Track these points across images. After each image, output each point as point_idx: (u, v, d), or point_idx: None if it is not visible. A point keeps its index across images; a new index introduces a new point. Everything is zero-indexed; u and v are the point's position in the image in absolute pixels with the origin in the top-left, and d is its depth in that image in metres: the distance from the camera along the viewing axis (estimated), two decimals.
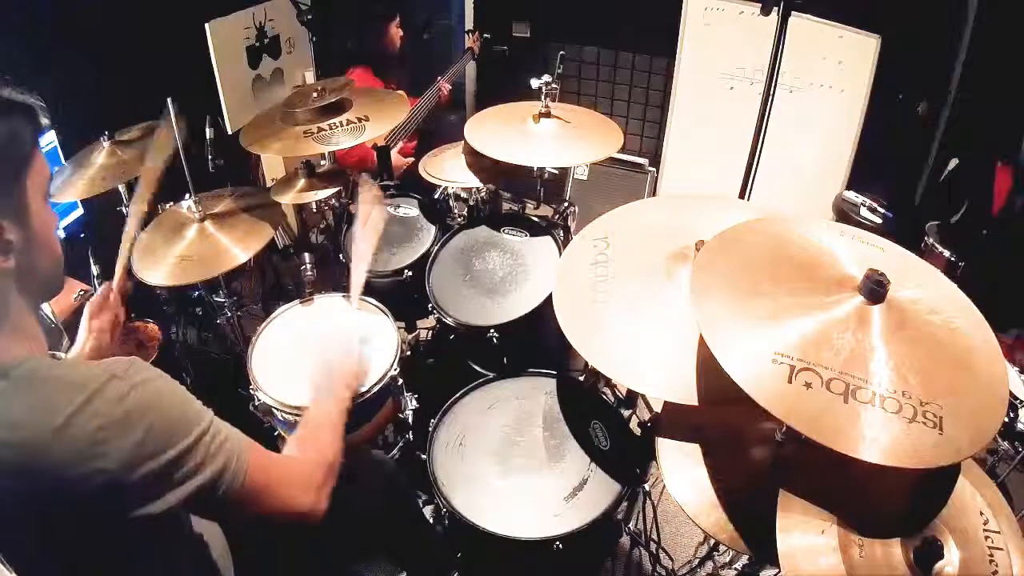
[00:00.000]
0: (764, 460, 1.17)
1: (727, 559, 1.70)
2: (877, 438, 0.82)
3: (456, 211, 2.23)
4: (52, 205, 0.83)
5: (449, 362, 1.95)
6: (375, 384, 1.58)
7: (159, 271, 1.69)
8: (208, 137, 2.00)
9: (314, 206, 2.07)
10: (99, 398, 0.70)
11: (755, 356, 0.90)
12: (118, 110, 2.04)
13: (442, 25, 3.50)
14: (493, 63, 3.33)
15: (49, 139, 1.95)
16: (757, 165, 1.74)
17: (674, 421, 1.29)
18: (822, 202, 2.79)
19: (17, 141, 0.74)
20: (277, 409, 1.51)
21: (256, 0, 2.66)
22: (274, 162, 2.88)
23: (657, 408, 1.53)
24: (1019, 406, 1.52)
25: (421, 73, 2.97)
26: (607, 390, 1.82)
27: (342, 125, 1.85)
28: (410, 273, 1.96)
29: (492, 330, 1.70)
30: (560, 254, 1.81)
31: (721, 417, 1.23)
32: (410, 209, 2.18)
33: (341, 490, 1.25)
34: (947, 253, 2.19)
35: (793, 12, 1.51)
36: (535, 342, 1.78)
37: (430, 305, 1.82)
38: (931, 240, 2.25)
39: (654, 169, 3.22)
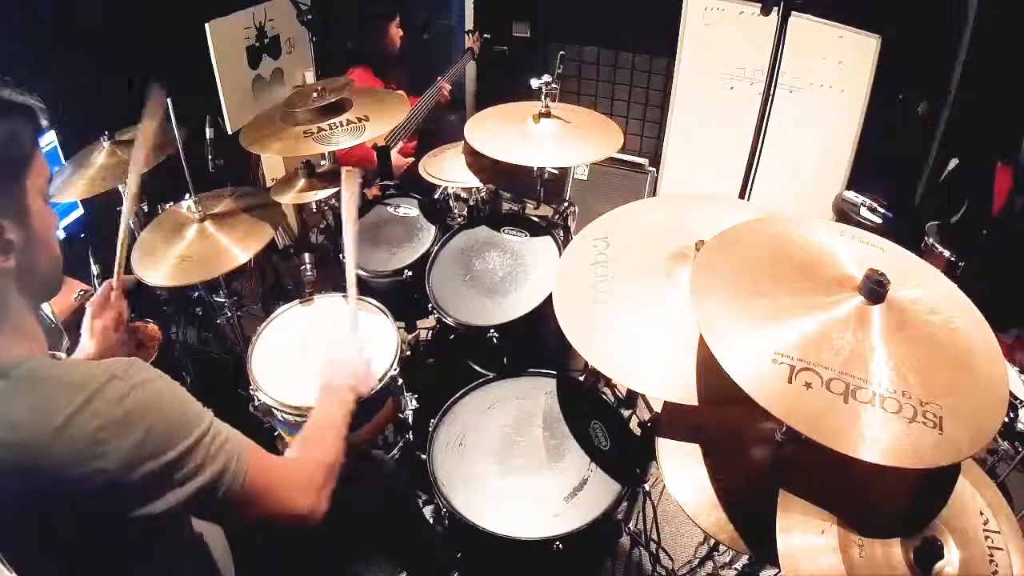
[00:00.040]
0: (764, 460, 1.17)
1: (727, 559, 1.70)
2: (877, 438, 0.82)
3: (456, 211, 2.23)
4: (52, 205, 0.84)
5: (449, 362, 1.95)
6: (376, 383, 1.58)
7: (159, 271, 1.69)
8: (208, 137, 2.00)
9: (314, 206, 2.07)
10: (99, 398, 0.71)
11: (755, 356, 0.90)
12: (118, 110, 2.03)
13: (442, 25, 3.50)
14: (493, 63, 3.33)
15: (49, 139, 1.95)
16: (757, 165, 1.74)
17: (674, 421, 1.29)
18: (822, 202, 2.79)
19: (17, 142, 0.75)
20: (277, 409, 1.51)
21: (256, 0, 2.66)
22: (274, 162, 2.88)
23: (657, 408, 1.53)
24: (1019, 406, 1.52)
25: (421, 73, 2.97)
26: (607, 390, 1.82)
27: (342, 125, 1.85)
28: (410, 273, 1.97)
29: (492, 330, 1.70)
30: (560, 254, 1.81)
31: (721, 417, 1.23)
32: (410, 209, 2.18)
33: (341, 490, 1.25)
34: (947, 253, 2.19)
35: (793, 12, 1.51)
36: (535, 342, 1.78)
37: (430, 305, 1.83)
38: (931, 240, 2.25)
39: (654, 169, 3.22)
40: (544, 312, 1.66)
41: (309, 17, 2.68)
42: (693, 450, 1.22)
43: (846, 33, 2.57)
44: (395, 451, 1.81)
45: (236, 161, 2.32)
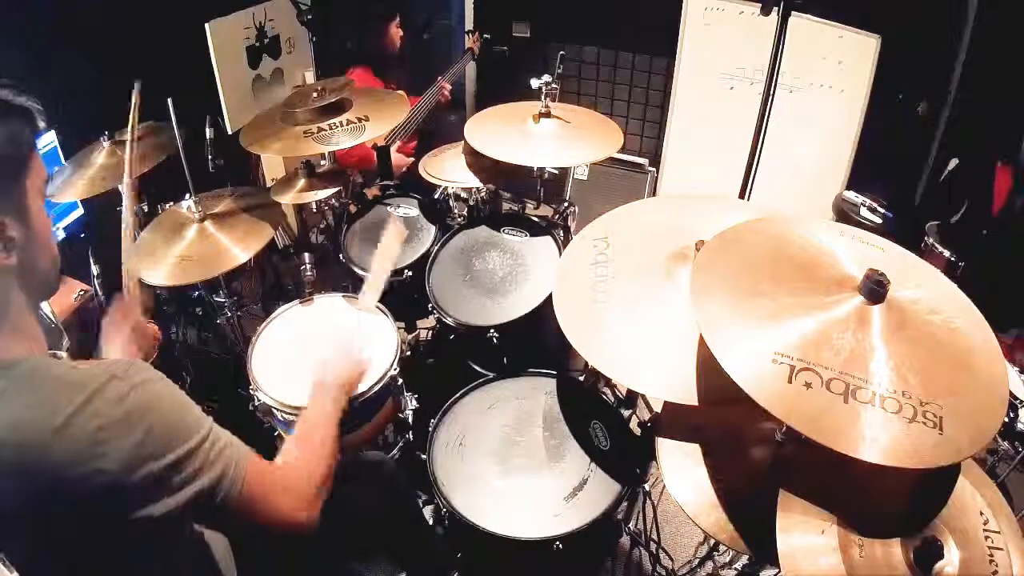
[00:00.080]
0: (764, 460, 1.17)
1: (727, 559, 1.70)
2: (877, 438, 0.82)
3: (456, 211, 2.23)
4: (52, 205, 0.84)
5: (449, 362, 1.95)
6: (375, 384, 1.58)
7: (159, 271, 1.69)
8: (208, 137, 2.00)
9: (314, 206, 2.07)
10: (99, 398, 0.71)
11: (755, 356, 0.90)
12: (118, 110, 2.03)
13: (442, 25, 3.49)
14: (493, 63, 3.33)
15: (49, 139, 1.95)
16: (757, 165, 1.74)
17: (674, 421, 1.29)
18: (822, 202, 2.79)
19: (17, 142, 0.75)
20: (277, 409, 1.51)
21: (256, 0, 2.66)
22: (274, 162, 2.88)
23: (657, 408, 1.53)
24: (1019, 406, 1.51)
25: (421, 73, 2.97)
26: (607, 390, 1.82)
27: (342, 125, 1.85)
28: (410, 273, 1.96)
29: (492, 330, 1.70)
30: (560, 254, 1.81)
31: (721, 417, 1.23)
32: (410, 209, 2.18)
33: (341, 490, 1.25)
34: (947, 253, 2.18)
35: (793, 12, 1.51)
36: (535, 342, 1.78)
37: (430, 305, 1.83)
38: (931, 240, 2.25)
39: (654, 169, 3.22)
40: (544, 312, 1.66)
41: (309, 17, 2.68)
42: (693, 450, 1.22)
43: (846, 33, 2.56)
44: (395, 451, 1.81)
45: (236, 161, 2.32)
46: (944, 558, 0.90)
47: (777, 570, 0.98)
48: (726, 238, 1.10)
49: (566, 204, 2.32)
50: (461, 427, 1.54)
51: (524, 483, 1.41)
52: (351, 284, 2.08)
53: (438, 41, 3.48)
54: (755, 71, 2.79)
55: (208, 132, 2.00)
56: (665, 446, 1.25)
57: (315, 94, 1.88)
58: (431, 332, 2.12)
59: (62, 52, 2.00)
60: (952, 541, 0.93)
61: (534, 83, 1.88)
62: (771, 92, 1.61)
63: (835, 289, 0.97)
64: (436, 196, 2.22)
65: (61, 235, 2.06)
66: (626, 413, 1.58)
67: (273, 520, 0.87)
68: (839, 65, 2.62)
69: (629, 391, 1.65)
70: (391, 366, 1.62)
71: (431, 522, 1.60)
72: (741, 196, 1.79)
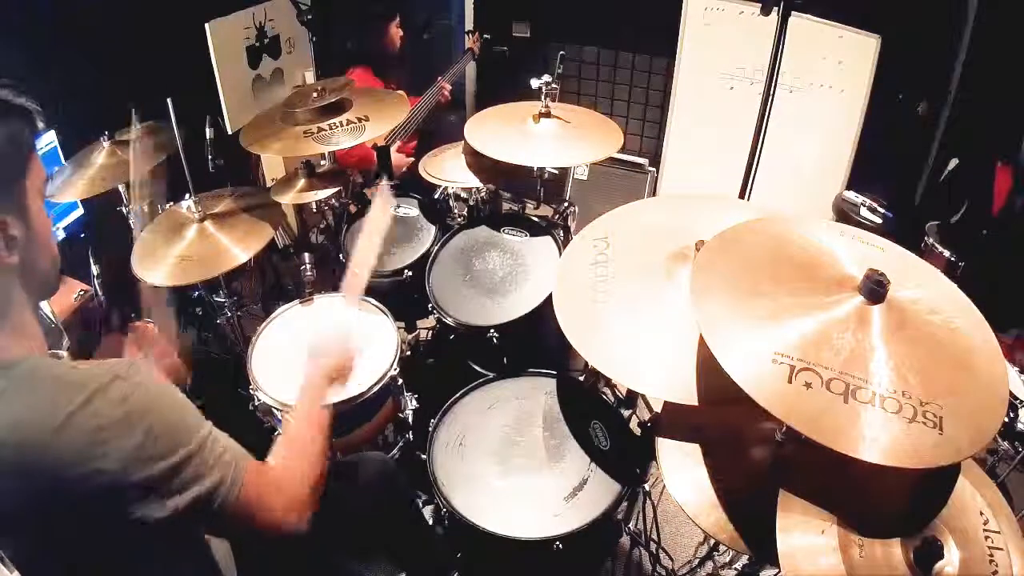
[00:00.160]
0: (764, 460, 1.17)
1: (727, 559, 1.70)
2: (877, 438, 0.82)
3: (456, 211, 2.23)
4: (52, 205, 0.84)
5: (449, 362, 1.96)
6: (375, 384, 1.58)
7: (159, 271, 1.69)
8: (208, 137, 2.00)
9: (314, 206, 2.07)
10: (100, 398, 0.71)
11: (755, 356, 0.90)
12: (118, 110, 2.03)
13: (442, 25, 3.49)
14: (493, 63, 3.33)
15: (49, 139, 1.95)
16: (757, 165, 1.74)
17: (674, 421, 1.29)
18: (822, 202, 2.79)
19: (17, 142, 0.76)
20: (277, 409, 1.51)
21: (256, 0, 2.66)
22: (274, 162, 2.88)
23: (657, 408, 1.53)
24: (1019, 406, 1.51)
25: (421, 73, 2.97)
26: (607, 390, 1.82)
27: (342, 125, 1.85)
28: (410, 273, 1.97)
29: (492, 330, 1.70)
30: (560, 254, 1.81)
31: (721, 417, 1.23)
32: (410, 209, 2.18)
33: (341, 490, 1.24)
34: (947, 253, 2.18)
35: (793, 12, 1.51)
36: (535, 342, 1.78)
37: (430, 305, 1.83)
38: (931, 240, 2.25)
39: (654, 169, 3.22)
40: (544, 312, 1.66)
41: (309, 17, 2.68)
42: (693, 450, 1.22)
43: (846, 33, 2.56)
44: (395, 451, 1.81)
45: (236, 161, 2.32)
46: (944, 558, 0.90)
47: (777, 570, 0.98)
48: (726, 238, 1.10)
49: (566, 204, 2.32)
50: (461, 427, 1.54)
51: (524, 483, 1.41)
52: None
53: (438, 41, 3.48)
54: (755, 71, 2.79)
55: (208, 132, 2.00)
56: (665, 446, 1.25)
57: (315, 94, 1.87)
58: (431, 332, 2.12)
59: (62, 52, 2.00)
60: (952, 541, 0.93)
61: (534, 83, 1.88)
62: (771, 92, 1.61)
63: (835, 289, 0.97)
64: (436, 196, 2.22)
65: (61, 235, 2.06)
66: (626, 413, 1.58)
67: (268, 522, 0.86)
68: (839, 65, 2.62)
69: (629, 391, 1.65)
70: (391, 366, 1.62)
71: (431, 522, 1.60)
72: (741, 196, 1.79)
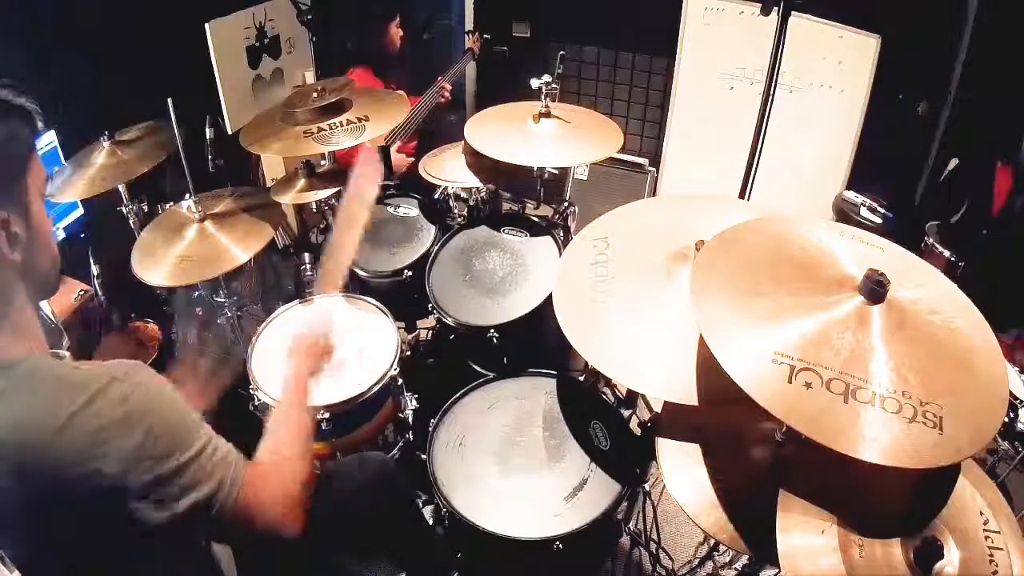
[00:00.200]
0: (764, 460, 1.17)
1: (727, 559, 1.70)
2: (877, 438, 0.82)
3: (456, 211, 2.23)
4: (52, 205, 0.85)
5: (449, 362, 1.95)
6: (375, 384, 1.58)
7: (159, 271, 1.69)
8: (208, 137, 2.00)
9: (314, 206, 2.07)
10: (101, 399, 0.71)
11: (755, 356, 0.90)
12: (118, 110, 2.04)
13: (442, 25, 3.49)
14: (493, 63, 3.33)
15: (49, 139, 1.95)
16: (757, 165, 1.74)
17: (674, 421, 1.29)
18: (822, 202, 2.79)
19: (17, 141, 0.76)
20: None
21: (256, 0, 2.66)
22: (274, 162, 2.88)
23: (657, 408, 1.53)
24: (1019, 406, 1.51)
25: (421, 73, 2.96)
26: (607, 390, 1.82)
27: (342, 125, 1.85)
28: (410, 273, 1.97)
29: (492, 330, 1.70)
30: (560, 254, 1.81)
31: (721, 417, 1.23)
32: (410, 209, 2.18)
33: (341, 490, 1.24)
34: (947, 253, 2.18)
35: (793, 12, 1.51)
36: (535, 342, 1.78)
37: (430, 305, 1.83)
38: (931, 240, 2.25)
39: (654, 169, 3.22)
40: (544, 312, 1.66)
41: (309, 17, 2.68)
42: (693, 450, 1.22)
43: (846, 33, 2.56)
44: (395, 451, 1.81)
45: (236, 161, 2.32)
46: (944, 558, 0.90)
47: (777, 570, 0.98)
48: (726, 238, 1.10)
49: (566, 204, 2.32)
50: (461, 427, 1.54)
51: (524, 483, 1.41)
52: (351, 284, 2.08)
53: (438, 41, 3.48)
54: (755, 71, 2.79)
55: (208, 132, 2.00)
56: (665, 446, 1.25)
57: (315, 94, 1.88)
58: (431, 332, 2.12)
59: (62, 52, 2.00)
60: (952, 541, 0.93)
61: (534, 83, 1.88)
62: (771, 92, 1.61)
63: (835, 289, 0.97)
64: (436, 196, 2.22)
65: (61, 235, 2.06)
66: (626, 413, 1.58)
67: (266, 522, 0.86)
68: (839, 65, 2.62)
69: (629, 391, 1.65)
70: (391, 366, 1.63)
71: (431, 522, 1.60)
72: (741, 196, 1.79)
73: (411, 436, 1.81)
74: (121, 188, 1.92)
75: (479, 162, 1.99)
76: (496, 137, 1.87)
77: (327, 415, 1.53)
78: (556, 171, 2.16)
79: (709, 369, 1.02)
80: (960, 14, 2.34)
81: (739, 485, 1.17)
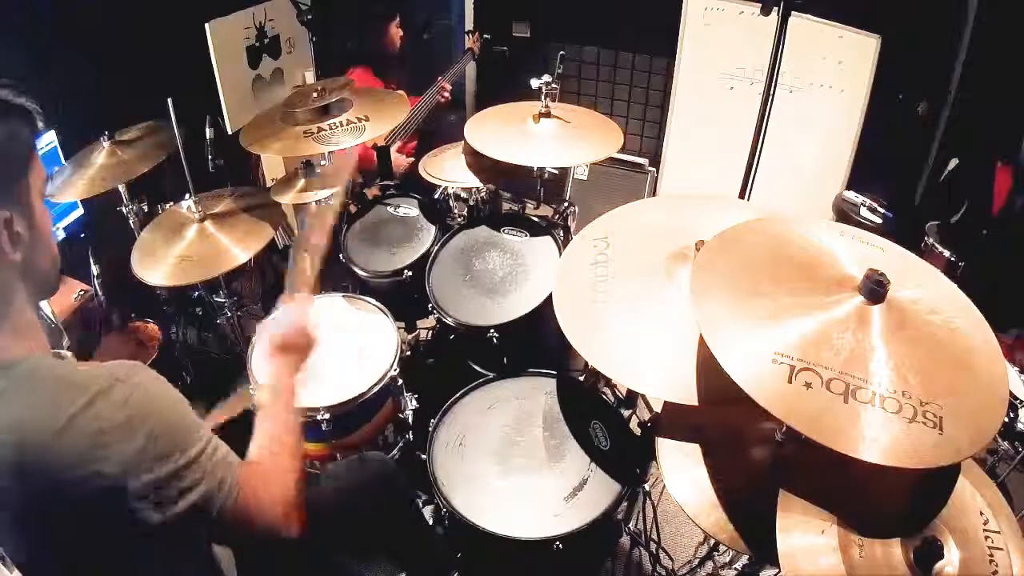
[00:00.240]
0: (764, 460, 1.17)
1: (727, 559, 1.70)
2: (877, 438, 0.82)
3: (456, 211, 2.23)
4: (52, 205, 0.84)
5: (449, 362, 1.95)
6: (375, 384, 1.58)
7: (159, 271, 1.69)
8: (208, 137, 2.00)
9: (314, 206, 2.07)
10: (101, 400, 0.71)
11: (755, 356, 0.90)
12: (118, 110, 2.04)
13: (442, 25, 3.49)
14: (493, 63, 3.33)
15: (49, 139, 1.95)
16: (757, 165, 1.74)
17: (674, 421, 1.29)
18: (822, 202, 2.79)
19: (18, 141, 0.76)
20: None
21: (256, 0, 2.66)
22: (274, 162, 2.88)
23: (657, 408, 1.53)
24: (1019, 406, 1.51)
25: (421, 73, 2.97)
26: (607, 390, 1.82)
27: (342, 125, 1.85)
28: (410, 273, 1.97)
29: (492, 330, 1.70)
30: (560, 254, 1.81)
31: (721, 417, 1.23)
32: (410, 209, 2.18)
33: (342, 490, 1.24)
34: (947, 253, 2.18)
35: (793, 12, 1.51)
36: (535, 342, 1.78)
37: (430, 305, 1.83)
38: (931, 240, 2.25)
39: (654, 169, 3.22)
40: (544, 312, 1.66)
41: (309, 17, 2.68)
42: (693, 450, 1.22)
43: (846, 33, 2.56)
44: (395, 451, 1.81)
45: (236, 161, 2.32)
46: (944, 558, 0.90)
47: (777, 570, 0.98)
48: (726, 238, 1.10)
49: (566, 204, 2.32)
50: (461, 427, 1.54)
51: (524, 483, 1.41)
52: (351, 284, 2.08)
53: (438, 41, 3.48)
54: (755, 71, 2.79)
55: (208, 132, 2.00)
56: (665, 446, 1.25)
57: (315, 94, 1.87)
58: (431, 332, 2.12)
59: (62, 52, 2.00)
60: (952, 541, 0.93)
61: (534, 83, 1.88)
62: (771, 92, 1.61)
63: (835, 289, 0.97)
64: (436, 196, 2.22)
65: (61, 235, 2.06)
66: (626, 413, 1.58)
67: (266, 522, 0.86)
68: (839, 65, 2.62)
69: (629, 391, 1.65)
70: (391, 366, 1.63)
71: (431, 522, 1.60)
72: (741, 196, 1.79)
73: (411, 436, 1.81)
74: (121, 188, 1.92)
75: (479, 162, 1.99)
76: (496, 137, 1.87)
77: (327, 416, 1.53)
78: (556, 171, 2.16)
79: (709, 369, 1.02)
80: (960, 14, 2.34)
81: (739, 485, 1.17)
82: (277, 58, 2.88)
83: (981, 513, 0.99)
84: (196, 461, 0.77)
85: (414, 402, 1.80)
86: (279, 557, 1.11)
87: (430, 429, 1.54)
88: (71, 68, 2.01)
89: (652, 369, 1.13)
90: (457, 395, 1.62)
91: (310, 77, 3.06)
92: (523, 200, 2.56)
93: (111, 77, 2.10)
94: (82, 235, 2.13)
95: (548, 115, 1.90)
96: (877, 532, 0.93)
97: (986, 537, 0.96)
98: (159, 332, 2.19)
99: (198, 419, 0.81)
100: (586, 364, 1.64)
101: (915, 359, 0.89)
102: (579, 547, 1.35)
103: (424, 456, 1.48)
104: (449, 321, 1.77)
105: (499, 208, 2.24)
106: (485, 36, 3.24)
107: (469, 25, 3.37)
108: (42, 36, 1.99)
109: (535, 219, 2.00)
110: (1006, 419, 1.49)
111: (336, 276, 2.11)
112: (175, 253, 1.73)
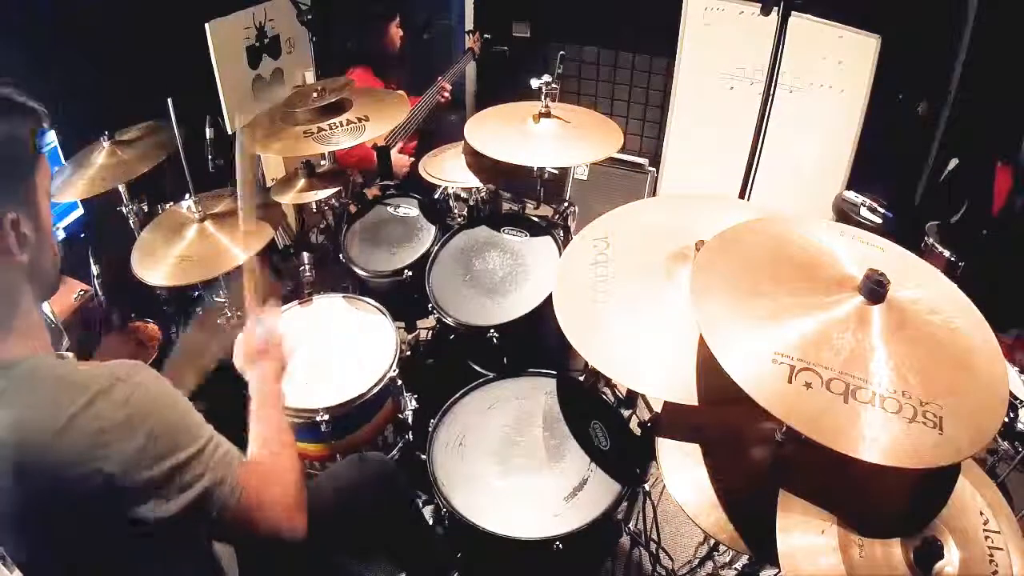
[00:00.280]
0: (764, 460, 1.17)
1: (727, 559, 1.70)
2: (877, 438, 0.82)
3: (456, 211, 2.23)
4: (52, 205, 0.84)
5: (449, 362, 1.95)
6: (375, 385, 1.58)
7: (159, 271, 1.69)
8: (208, 137, 2.00)
9: (314, 206, 2.07)
10: (102, 400, 0.71)
11: (755, 356, 0.90)
12: (118, 110, 2.04)
13: (442, 25, 3.49)
14: (493, 63, 3.33)
15: (49, 139, 1.95)
16: (757, 165, 1.74)
17: (674, 421, 1.29)
18: (822, 202, 2.79)
19: (27, 141, 0.76)
20: None
21: (256, 0, 2.66)
22: (274, 162, 2.88)
23: (657, 408, 1.53)
24: (1019, 406, 1.51)
25: (421, 73, 2.97)
26: (607, 390, 1.82)
27: (342, 125, 1.85)
28: (410, 273, 1.96)
29: (492, 330, 1.70)
30: (560, 254, 1.81)
31: (721, 417, 1.23)
32: (410, 209, 2.18)
33: (341, 490, 1.24)
34: (947, 253, 2.18)
35: (793, 12, 1.51)
36: (535, 342, 1.78)
37: (430, 305, 1.82)
38: (931, 240, 2.25)
39: (654, 169, 3.22)
40: (544, 312, 1.66)
41: (309, 17, 2.68)
42: (693, 450, 1.22)
43: (846, 33, 2.57)
44: (395, 451, 1.81)
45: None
46: (944, 558, 0.90)
47: (777, 570, 0.98)
48: (726, 238, 1.10)
49: (566, 204, 2.32)
50: (461, 427, 1.54)
51: (524, 483, 1.41)
52: (351, 284, 2.08)
53: (438, 41, 3.48)
54: (755, 71, 2.79)
55: (208, 132, 2.00)
56: (665, 446, 1.25)
57: (315, 94, 1.87)
58: (431, 332, 2.12)
59: (62, 52, 2.00)
60: (952, 541, 0.93)
61: (534, 83, 1.88)
62: (771, 92, 1.61)
63: (835, 289, 0.97)
64: (436, 196, 2.22)
65: (61, 235, 2.06)
66: (626, 413, 1.58)
67: (269, 522, 0.86)
68: (839, 65, 2.62)
69: (629, 391, 1.65)
70: (391, 367, 1.63)
71: (431, 522, 1.60)
72: (741, 196, 1.79)
73: (411, 436, 1.81)
74: (121, 188, 1.92)
75: (479, 162, 1.99)
76: (496, 137, 1.87)
77: (327, 416, 1.53)
78: (556, 171, 2.16)
79: (709, 369, 1.02)
80: (960, 14, 2.34)
81: (739, 485, 1.17)
82: (277, 58, 2.88)
83: (981, 513, 0.99)
84: (196, 460, 0.77)
85: (414, 402, 1.80)
86: (279, 556, 1.11)
87: (430, 429, 1.54)
88: (71, 68, 2.01)
89: (652, 369, 1.13)
90: (457, 395, 1.62)
91: (310, 77, 3.06)
92: (523, 200, 2.57)
93: (111, 77, 2.10)
94: (82, 235, 2.13)
95: (548, 115, 1.90)
96: (877, 532, 0.93)
97: (986, 537, 0.96)
98: (159, 332, 2.19)
99: (199, 418, 0.81)
100: (586, 364, 1.64)
101: (915, 359, 0.89)
102: (579, 547, 1.35)
103: (424, 456, 1.48)
104: (449, 321, 1.77)
105: (499, 208, 2.24)
106: (485, 36, 3.24)
107: (469, 25, 3.37)
108: (42, 36, 1.99)
109: (535, 219, 2.00)
110: (1006, 419, 1.49)
111: (336, 276, 2.11)
112: (175, 253, 1.73)
